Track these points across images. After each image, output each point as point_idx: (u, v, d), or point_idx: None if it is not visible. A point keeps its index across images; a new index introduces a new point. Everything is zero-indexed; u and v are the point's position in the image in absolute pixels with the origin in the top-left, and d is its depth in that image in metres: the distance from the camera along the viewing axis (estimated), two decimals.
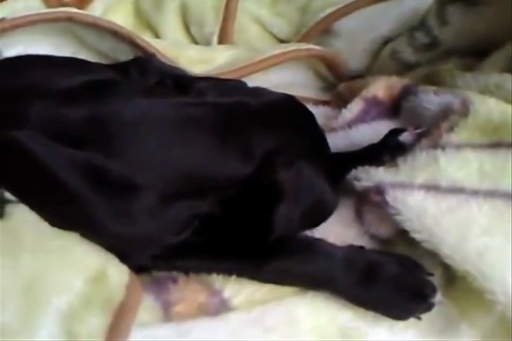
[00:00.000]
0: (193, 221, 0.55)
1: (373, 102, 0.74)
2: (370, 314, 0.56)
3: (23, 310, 0.46)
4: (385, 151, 0.65)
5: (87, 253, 0.51)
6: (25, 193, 0.52)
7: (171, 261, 0.56)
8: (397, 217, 0.57)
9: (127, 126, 0.53)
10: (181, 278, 0.56)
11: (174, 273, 0.56)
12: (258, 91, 0.65)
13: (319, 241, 0.57)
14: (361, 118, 0.74)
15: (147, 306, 0.53)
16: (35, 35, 0.81)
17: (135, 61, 0.77)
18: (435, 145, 0.61)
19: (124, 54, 0.82)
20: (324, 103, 0.86)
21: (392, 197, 0.57)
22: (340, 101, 0.82)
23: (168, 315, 0.53)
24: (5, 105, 0.56)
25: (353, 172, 0.62)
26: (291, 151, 0.58)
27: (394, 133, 0.67)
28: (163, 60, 0.80)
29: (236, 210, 0.54)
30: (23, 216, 0.51)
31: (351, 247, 0.58)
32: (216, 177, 0.54)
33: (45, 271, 0.49)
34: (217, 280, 0.56)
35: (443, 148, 0.60)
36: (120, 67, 0.75)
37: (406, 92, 0.72)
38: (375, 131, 0.72)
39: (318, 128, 0.66)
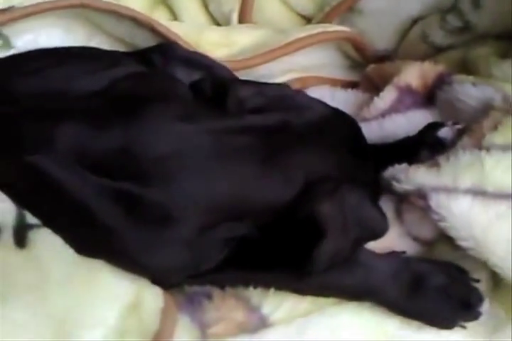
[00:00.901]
0: (229, 243, 0.53)
1: (407, 91, 0.71)
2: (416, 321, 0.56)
3: None
4: (423, 148, 0.63)
5: (119, 281, 0.50)
6: (49, 218, 0.50)
7: (205, 275, 0.54)
8: (442, 224, 0.55)
9: (163, 160, 0.50)
10: (216, 293, 0.55)
11: (208, 288, 0.55)
12: (302, 102, 0.61)
13: (362, 253, 0.55)
14: (395, 108, 0.71)
15: (184, 328, 0.52)
16: (46, 19, 0.76)
17: (157, 49, 0.73)
18: (479, 146, 0.58)
19: (142, 39, 0.77)
20: (353, 85, 0.83)
21: (436, 202, 0.55)
22: (370, 85, 0.79)
23: (205, 335, 0.52)
24: (27, 122, 0.53)
25: (391, 172, 0.60)
26: (336, 174, 0.55)
27: (432, 128, 0.65)
28: (184, 46, 0.76)
29: (275, 237, 0.52)
30: (47, 243, 0.49)
31: (395, 256, 0.57)
32: (255, 205, 0.52)
33: (77, 306, 0.47)
34: (254, 294, 0.55)
35: (487, 149, 0.57)
36: (141, 55, 0.71)
37: (440, 82, 0.69)
38: (409, 121, 0.70)
39: (365, 142, 0.63)
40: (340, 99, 0.78)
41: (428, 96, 0.71)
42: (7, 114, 0.55)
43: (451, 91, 0.67)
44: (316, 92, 0.79)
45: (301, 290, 0.55)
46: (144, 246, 0.49)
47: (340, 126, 0.62)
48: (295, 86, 0.79)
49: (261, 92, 0.60)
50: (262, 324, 0.53)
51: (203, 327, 0.52)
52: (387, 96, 0.72)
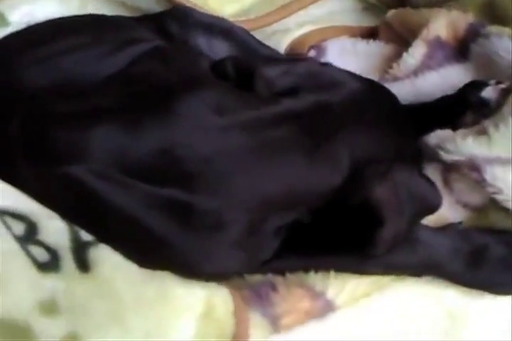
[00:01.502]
0: (282, 230, 0.52)
1: (437, 44, 0.67)
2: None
3: None
4: (467, 110, 0.61)
5: (188, 291, 0.49)
6: (101, 234, 0.48)
7: (265, 263, 0.54)
8: (498, 196, 0.55)
9: (206, 162, 0.48)
10: (280, 283, 0.54)
11: (270, 278, 0.55)
12: (333, 77, 0.58)
13: (421, 230, 0.55)
14: (427, 65, 0.67)
15: (256, 325, 0.52)
16: None
17: (171, 13, 0.69)
18: None
19: (145, 1, 0.73)
20: (371, 33, 0.79)
21: (491, 175, 0.55)
22: (391, 34, 0.75)
23: (276, 327, 0.52)
24: (53, 126, 0.49)
25: (436, 140, 0.58)
26: (382, 153, 0.53)
27: (474, 87, 0.62)
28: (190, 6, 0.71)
29: (329, 221, 0.51)
30: (109, 261, 0.47)
31: (453, 229, 0.57)
32: (304, 195, 0.51)
33: (155, 326, 0.47)
34: (317, 281, 0.54)
35: None
36: (154, 21, 0.68)
37: (473, 33, 0.66)
38: (444, 78, 0.67)
39: (402, 110, 0.61)
40: (363, 52, 0.74)
41: (460, 50, 0.68)
42: (27, 115, 0.51)
43: (489, 45, 0.64)
44: (336, 45, 0.75)
45: (362, 271, 0.55)
46: (200, 253, 0.48)
47: (377, 99, 0.59)
48: (314, 39, 0.76)
49: (288, 71, 0.57)
50: (329, 309, 0.54)
51: (274, 320, 0.52)
52: (417, 52, 0.68)
